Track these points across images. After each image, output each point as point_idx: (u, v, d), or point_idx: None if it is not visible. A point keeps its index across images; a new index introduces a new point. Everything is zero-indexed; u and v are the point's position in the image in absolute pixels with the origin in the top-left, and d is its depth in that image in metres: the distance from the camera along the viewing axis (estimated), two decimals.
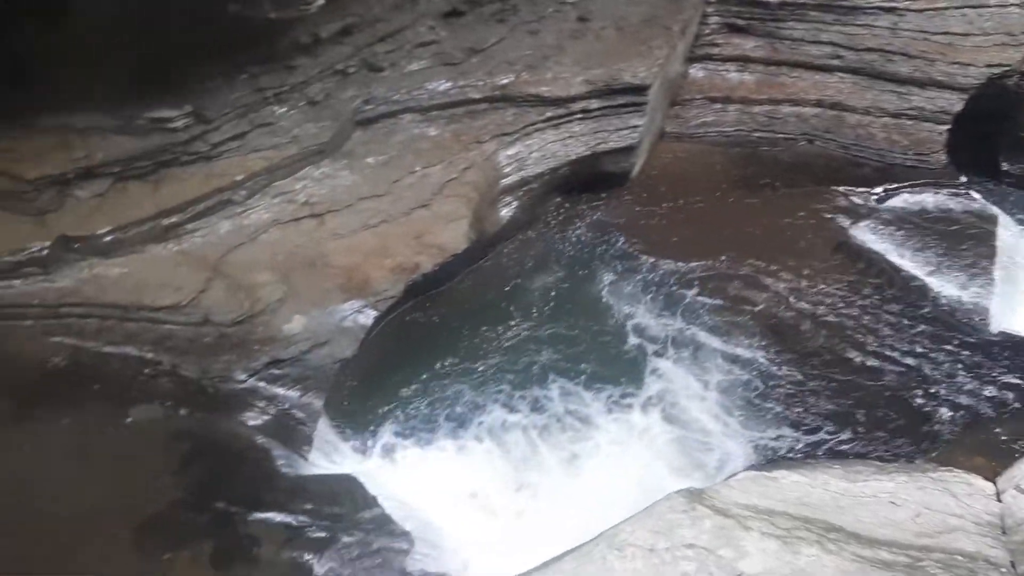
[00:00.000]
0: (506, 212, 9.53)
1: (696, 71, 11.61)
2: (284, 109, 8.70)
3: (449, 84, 9.69)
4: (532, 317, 8.19)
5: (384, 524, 6.57)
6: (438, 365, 8.11)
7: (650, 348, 8.37)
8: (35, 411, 6.96)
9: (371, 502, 6.70)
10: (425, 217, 8.92)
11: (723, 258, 9.19)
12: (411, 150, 9.49)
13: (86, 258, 7.90)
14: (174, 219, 8.01)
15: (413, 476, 7.34)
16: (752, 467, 6.60)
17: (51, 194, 7.94)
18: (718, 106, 11.37)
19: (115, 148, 8.01)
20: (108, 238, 7.86)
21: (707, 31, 11.46)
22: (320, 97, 8.95)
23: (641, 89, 9.89)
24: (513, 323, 8.61)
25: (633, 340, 8.47)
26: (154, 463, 6.74)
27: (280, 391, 7.33)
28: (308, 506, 6.63)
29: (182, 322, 7.54)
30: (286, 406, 7.27)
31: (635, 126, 9.98)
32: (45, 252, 7.70)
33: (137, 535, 6.27)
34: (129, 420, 7.13)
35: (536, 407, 7.73)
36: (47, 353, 7.51)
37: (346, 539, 6.43)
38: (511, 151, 9.63)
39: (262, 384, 7.33)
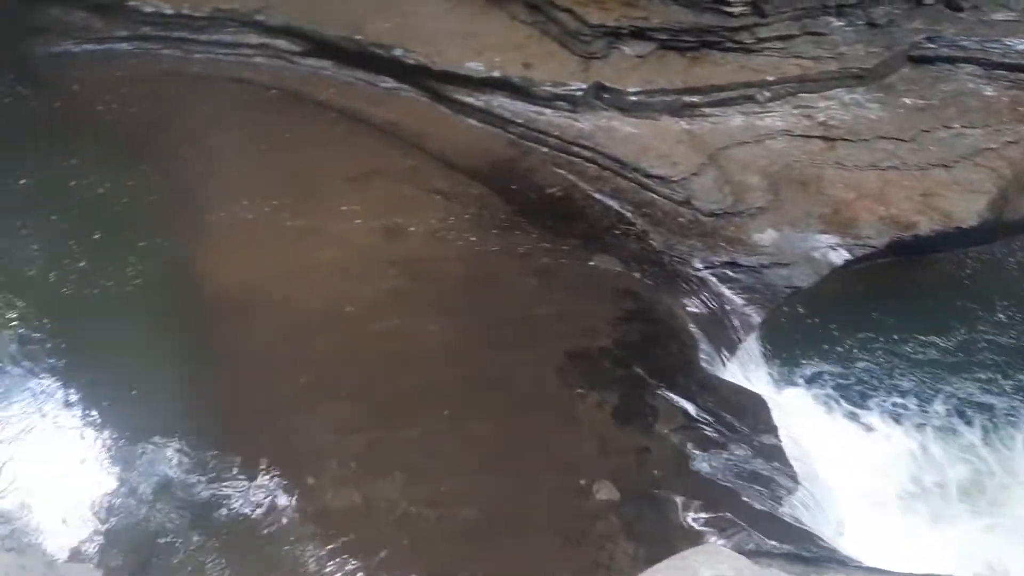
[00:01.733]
0: None
1: None
2: (841, 23, 8.73)
3: None
4: None
5: (776, 456, 6.88)
6: (895, 334, 7.91)
7: None
8: (520, 224, 8.48)
9: (772, 430, 7.02)
10: (941, 178, 8.44)
11: None
12: (956, 104, 8.90)
13: (609, 109, 9.09)
14: (695, 99, 8.75)
15: (819, 427, 7.48)
16: None
17: (603, 43, 9.18)
18: None
19: (671, 16, 8.89)
20: (634, 97, 8.90)
21: None
22: (883, 21, 8.77)
23: None
24: (1002, 322, 7.93)
25: None
26: (598, 308, 7.85)
27: (727, 292, 7.88)
28: (712, 406, 7.20)
29: (666, 195, 8.39)
30: (727, 308, 7.81)
31: None
32: (579, 93, 9.02)
33: (565, 361, 7.48)
34: (592, 264, 8.32)
35: (983, 424, 7.20)
36: (549, 181, 8.99)
37: (736, 452, 6.90)
38: None
39: (714, 279, 7.93)
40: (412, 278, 7.92)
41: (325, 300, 7.68)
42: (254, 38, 9.89)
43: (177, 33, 9.98)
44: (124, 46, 10.08)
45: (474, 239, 8.34)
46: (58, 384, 6.91)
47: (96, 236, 8.08)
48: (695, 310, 7.86)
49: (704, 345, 7.63)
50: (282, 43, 9.84)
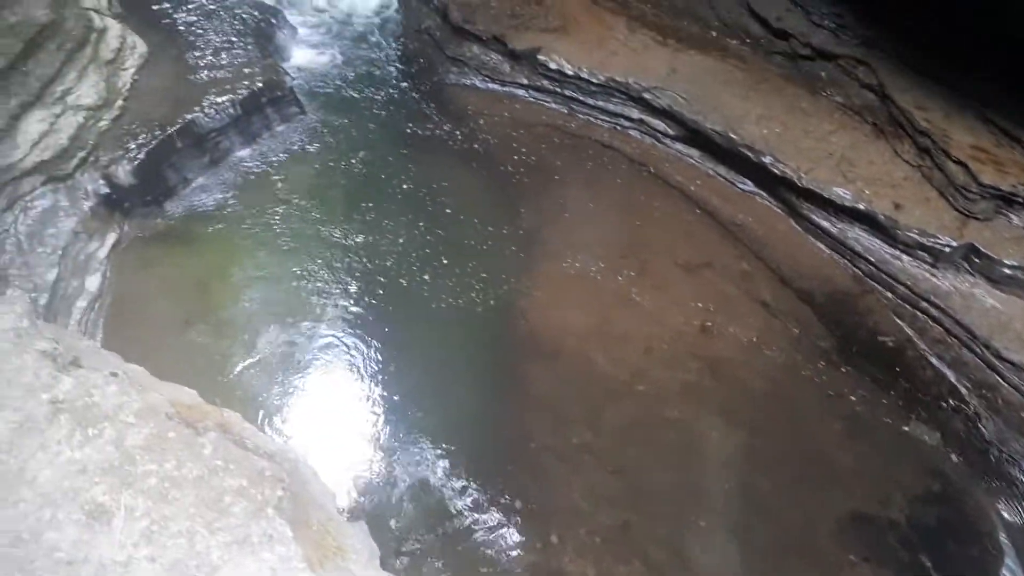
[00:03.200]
0: None
1: None
2: None
3: None
4: None
5: None
6: None
7: None
8: (840, 362, 8.43)
9: None
10: None
11: None
12: None
13: (975, 274, 8.73)
14: None
15: None
16: None
17: (989, 205, 8.86)
18: None
19: None
20: (1008, 270, 8.48)
21: None
22: None
23: None
24: None
25: None
26: (900, 477, 7.59)
27: None
28: None
29: (1016, 384, 7.93)
30: None
31: None
32: (947, 249, 8.77)
33: (847, 519, 7.29)
34: (906, 428, 8.09)
35: None
36: (884, 328, 8.86)
37: None
38: None
39: None
40: (713, 378, 8.24)
41: (624, 372, 8.26)
42: (635, 113, 10.91)
43: (569, 91, 11.31)
44: (521, 92, 11.62)
45: (787, 361, 8.47)
46: (371, 365, 8.20)
47: (445, 254, 9.40)
48: (1011, 519, 7.31)
49: (1010, 561, 7.07)
50: (659, 124, 10.75)
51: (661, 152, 10.73)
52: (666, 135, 10.66)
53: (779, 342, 8.61)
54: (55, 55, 9.50)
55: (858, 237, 9.16)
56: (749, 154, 9.70)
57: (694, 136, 10.32)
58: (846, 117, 9.92)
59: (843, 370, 8.40)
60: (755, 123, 9.89)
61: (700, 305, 8.88)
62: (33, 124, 8.92)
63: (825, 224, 9.37)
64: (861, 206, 8.95)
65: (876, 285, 9.12)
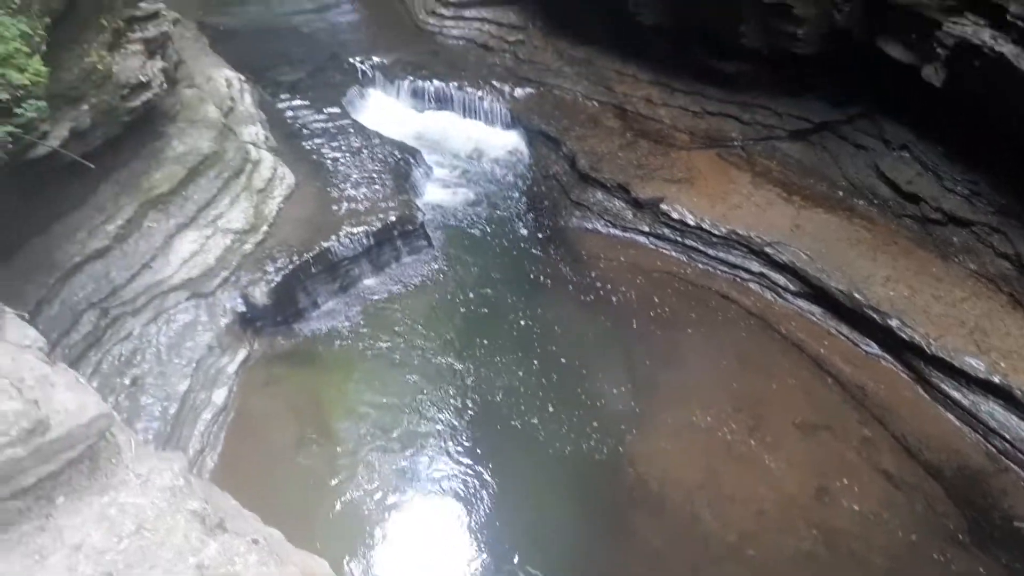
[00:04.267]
0: None
1: None
2: None
3: None
4: None
5: None
6: None
7: None
8: (970, 546, 8.02)
9: None
10: None
11: None
12: None
13: None
14: None
15: None
16: None
17: None
18: None
19: None
20: None
21: None
22: None
23: None
24: None
25: None
26: None
27: None
28: None
29: None
30: None
31: None
32: None
33: None
34: None
35: None
36: (1022, 512, 8.37)
37: None
38: None
39: None
40: (827, 549, 7.98)
41: (731, 533, 8.11)
42: (756, 266, 11.09)
43: (690, 241, 11.64)
44: (642, 238, 12.05)
45: (909, 539, 8.13)
46: (478, 505, 8.38)
47: (557, 396, 9.64)
48: None
49: None
50: (780, 278, 10.87)
51: (781, 307, 10.80)
52: (787, 290, 10.75)
53: (902, 517, 8.28)
54: (213, 182, 10.62)
55: (992, 411, 8.86)
56: (875, 316, 9.66)
57: (817, 293, 10.38)
58: (980, 285, 9.79)
59: (973, 554, 7.97)
60: (882, 285, 9.88)
61: (817, 469, 8.70)
62: (186, 244, 9.91)
63: (956, 394, 9.12)
64: (996, 379, 8.71)
65: (1012, 464, 8.73)
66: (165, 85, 10.25)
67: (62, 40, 8.25)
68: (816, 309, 10.54)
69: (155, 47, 10.40)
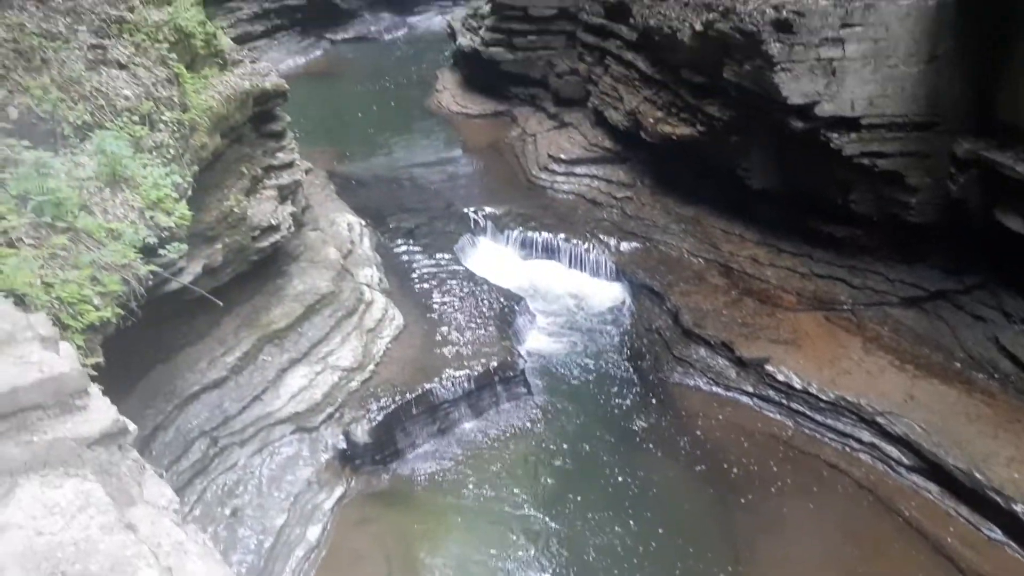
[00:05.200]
0: None
1: None
2: None
3: None
4: None
5: None
6: None
7: None
8: None
9: None
10: None
11: None
12: None
13: None
14: None
15: None
16: None
17: None
18: None
19: None
20: None
21: None
22: None
23: None
24: None
25: None
26: None
27: None
28: None
29: None
30: None
31: None
32: None
33: None
34: None
35: None
36: None
37: None
38: None
39: None
40: None
41: None
42: (867, 436, 10.63)
43: (795, 405, 11.31)
44: (745, 399, 11.78)
45: None
46: None
47: (650, 561, 9.28)
48: None
49: None
50: (893, 451, 10.36)
51: (894, 481, 10.23)
52: (900, 464, 10.22)
53: None
54: (327, 320, 11.09)
55: None
56: (997, 499, 9.05)
57: (933, 470, 9.82)
58: None
59: None
60: (1005, 465, 9.29)
61: None
62: (296, 378, 10.28)
63: None
64: None
65: None
66: (292, 228, 10.95)
67: (206, 185, 9.01)
68: (932, 486, 9.94)
69: (287, 193, 11.20)
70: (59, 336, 3.97)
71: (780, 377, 11.30)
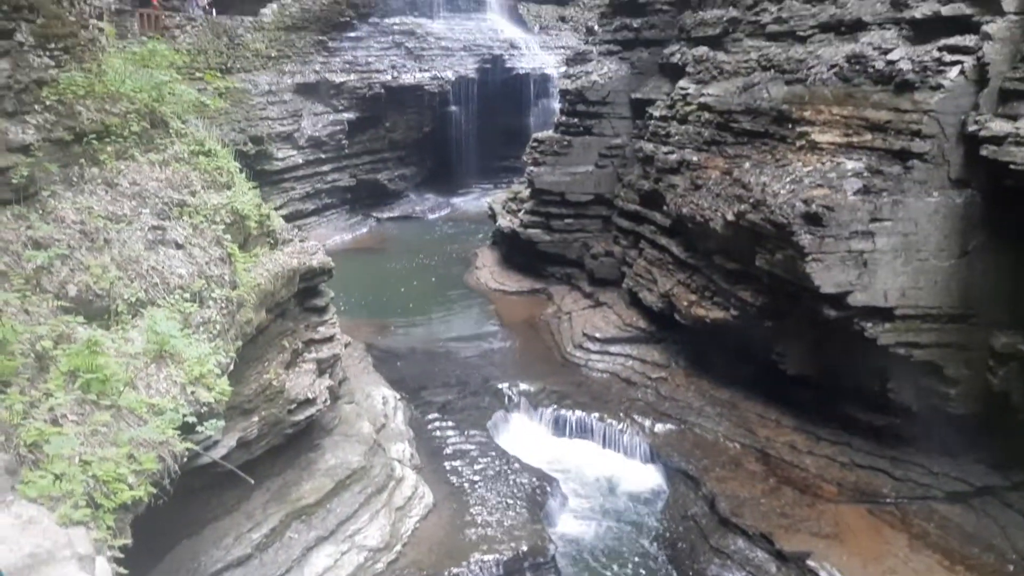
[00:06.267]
0: None
1: None
2: None
3: None
4: None
5: None
6: None
7: None
8: None
9: None
10: None
11: None
12: None
13: None
14: None
15: None
16: None
17: None
18: None
19: None
20: None
21: None
22: None
23: None
24: None
25: None
26: None
27: None
28: None
29: None
30: None
31: None
32: None
33: None
34: None
35: None
36: None
37: None
38: None
39: None
40: None
41: None
42: None
43: None
44: None
45: None
46: None
47: None
48: None
49: None
50: None
51: None
52: None
53: None
54: (357, 496, 10.92)
55: None
56: None
57: None
58: None
59: None
60: None
61: None
62: (322, 558, 10.02)
63: None
64: None
65: None
66: (328, 401, 11.01)
67: (248, 358, 9.17)
68: None
69: (326, 366, 11.35)
70: (95, 552, 4.00)
71: (823, 574, 10.73)
